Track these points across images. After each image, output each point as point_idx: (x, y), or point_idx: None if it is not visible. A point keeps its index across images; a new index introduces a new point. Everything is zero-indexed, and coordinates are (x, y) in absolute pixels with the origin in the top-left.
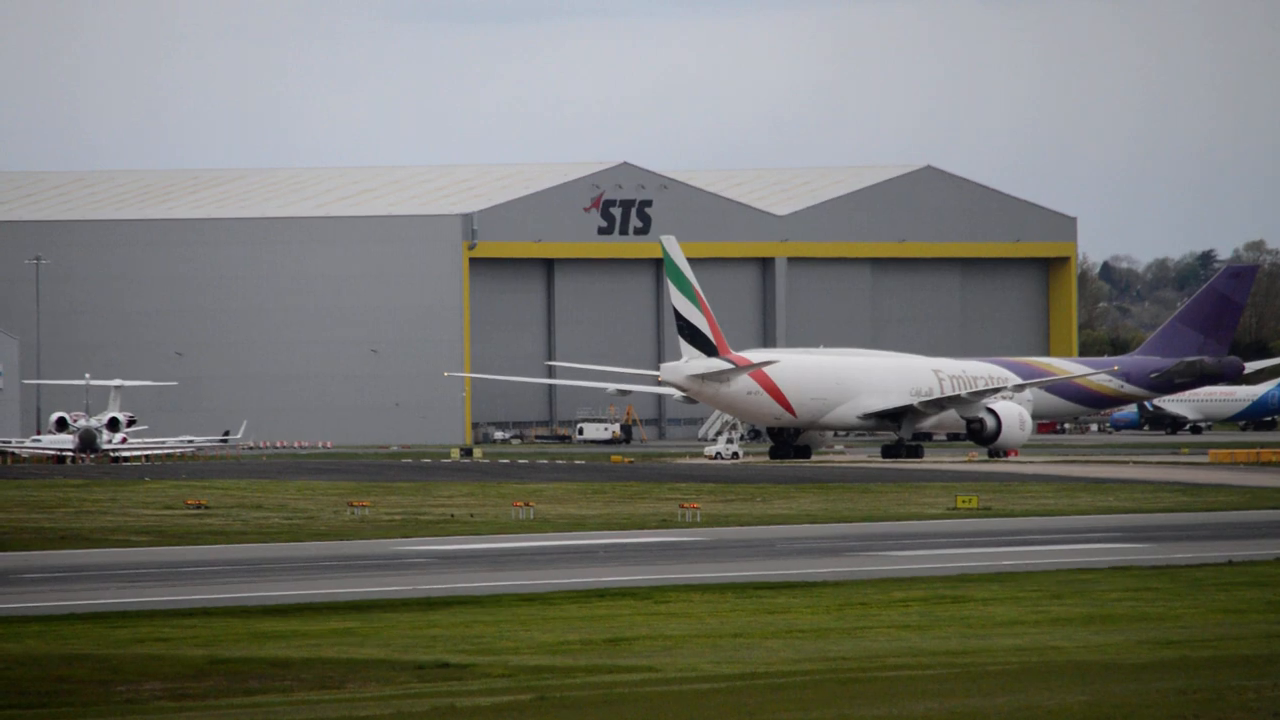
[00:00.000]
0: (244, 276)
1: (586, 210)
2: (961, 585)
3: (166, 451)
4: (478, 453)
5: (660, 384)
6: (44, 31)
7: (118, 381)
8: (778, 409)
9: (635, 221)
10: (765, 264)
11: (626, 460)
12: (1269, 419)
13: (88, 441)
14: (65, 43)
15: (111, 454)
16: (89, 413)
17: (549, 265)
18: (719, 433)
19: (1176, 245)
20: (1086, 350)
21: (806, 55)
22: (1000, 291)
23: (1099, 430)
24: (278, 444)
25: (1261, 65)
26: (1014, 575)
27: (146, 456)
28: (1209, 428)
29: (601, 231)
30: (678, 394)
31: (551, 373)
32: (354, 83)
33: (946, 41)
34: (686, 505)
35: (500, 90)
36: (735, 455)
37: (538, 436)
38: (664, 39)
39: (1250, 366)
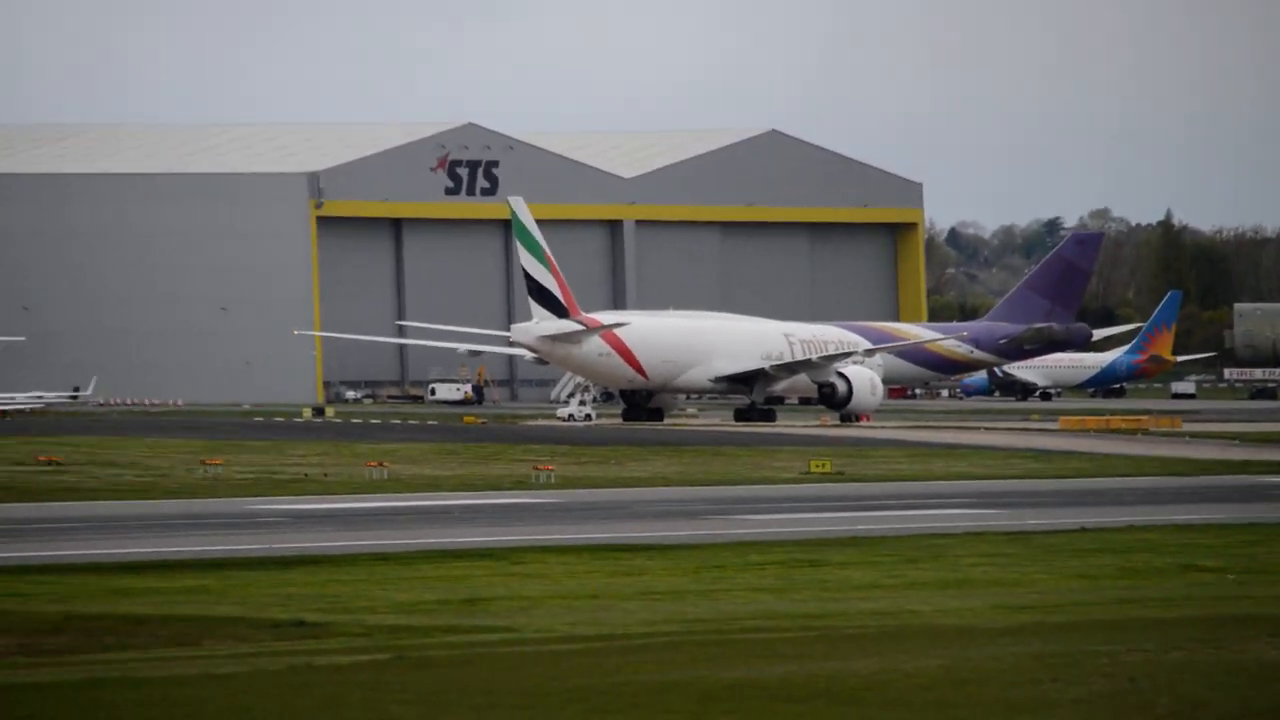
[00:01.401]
0: (92, 232)
1: (433, 170)
2: (818, 549)
3: (16, 408)
4: (330, 412)
5: (511, 345)
6: None
7: None
8: (630, 371)
9: (482, 182)
10: (613, 226)
11: (479, 421)
12: (1117, 386)
13: None
14: None
15: None
16: None
17: (397, 225)
18: (571, 394)
19: (1022, 212)
20: (935, 316)
21: (654, 19)
22: (849, 257)
23: (950, 396)
24: (128, 401)
25: (1104, 33)
26: (869, 540)
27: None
28: (1059, 394)
29: (449, 192)
30: (529, 355)
31: (402, 332)
32: (201, 38)
33: (793, 5)
34: (540, 467)
35: (350, 48)
36: (588, 417)
37: (390, 397)
38: None
39: (1098, 334)
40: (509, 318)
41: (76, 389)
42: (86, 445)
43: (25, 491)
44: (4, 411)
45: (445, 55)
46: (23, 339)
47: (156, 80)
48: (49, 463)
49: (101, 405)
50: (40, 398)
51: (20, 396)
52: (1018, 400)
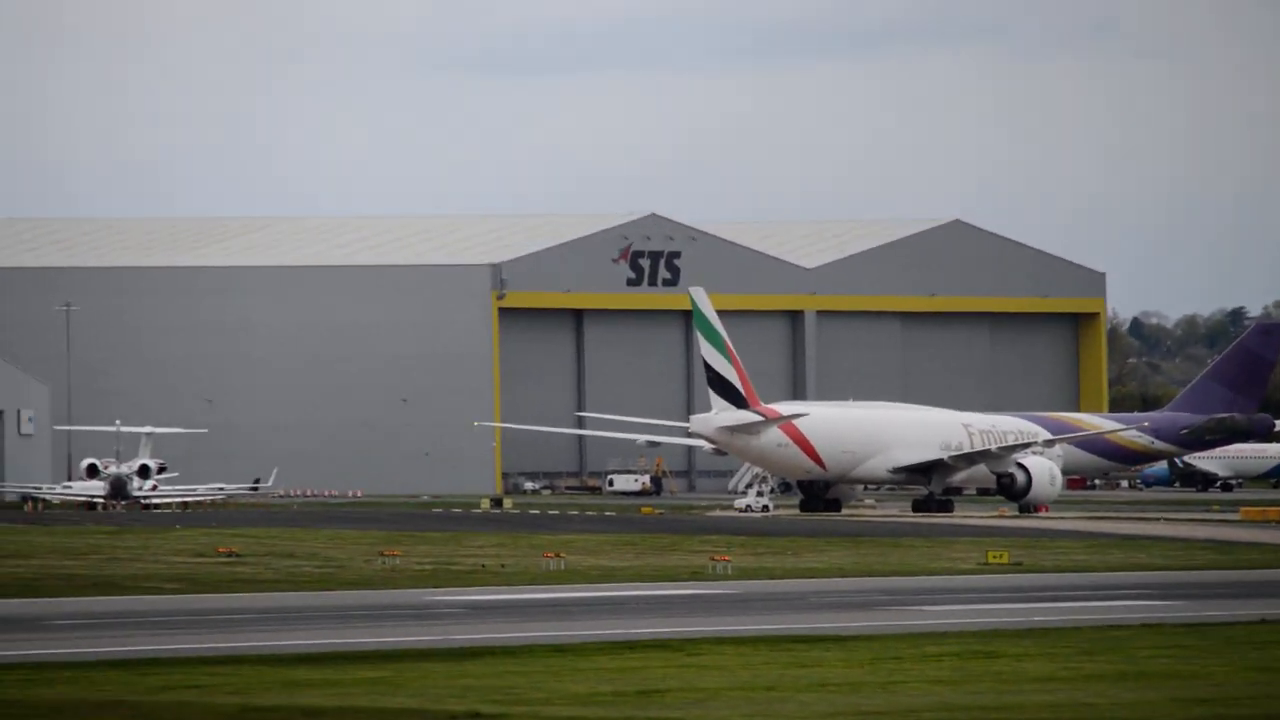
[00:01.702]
0: (273, 324)
1: (615, 261)
2: (994, 640)
3: (197, 499)
4: (508, 503)
5: (690, 435)
6: (76, 76)
7: (148, 428)
8: (808, 462)
9: (664, 273)
10: (794, 316)
11: (656, 512)
12: None
13: (118, 488)
14: (99, 89)
15: (142, 501)
16: (119, 459)
17: (578, 315)
18: (749, 485)
19: (1206, 301)
20: (1116, 406)
21: (835, 108)
22: (1030, 346)
23: (1129, 486)
24: (308, 492)
25: None
26: (1046, 631)
27: (182, 504)
28: (1240, 485)
29: (630, 282)
30: (708, 446)
31: (581, 423)
32: (384, 132)
33: (978, 95)
34: (717, 558)
35: (530, 140)
36: (765, 508)
37: (567, 487)
38: (694, 91)
39: None
40: (688, 408)
41: (257, 480)
42: (266, 537)
43: (204, 583)
44: (186, 503)
45: (629, 144)
46: (205, 431)
47: (341, 173)
48: (228, 554)
49: (282, 496)
50: (221, 489)
51: (201, 488)
52: (1198, 491)
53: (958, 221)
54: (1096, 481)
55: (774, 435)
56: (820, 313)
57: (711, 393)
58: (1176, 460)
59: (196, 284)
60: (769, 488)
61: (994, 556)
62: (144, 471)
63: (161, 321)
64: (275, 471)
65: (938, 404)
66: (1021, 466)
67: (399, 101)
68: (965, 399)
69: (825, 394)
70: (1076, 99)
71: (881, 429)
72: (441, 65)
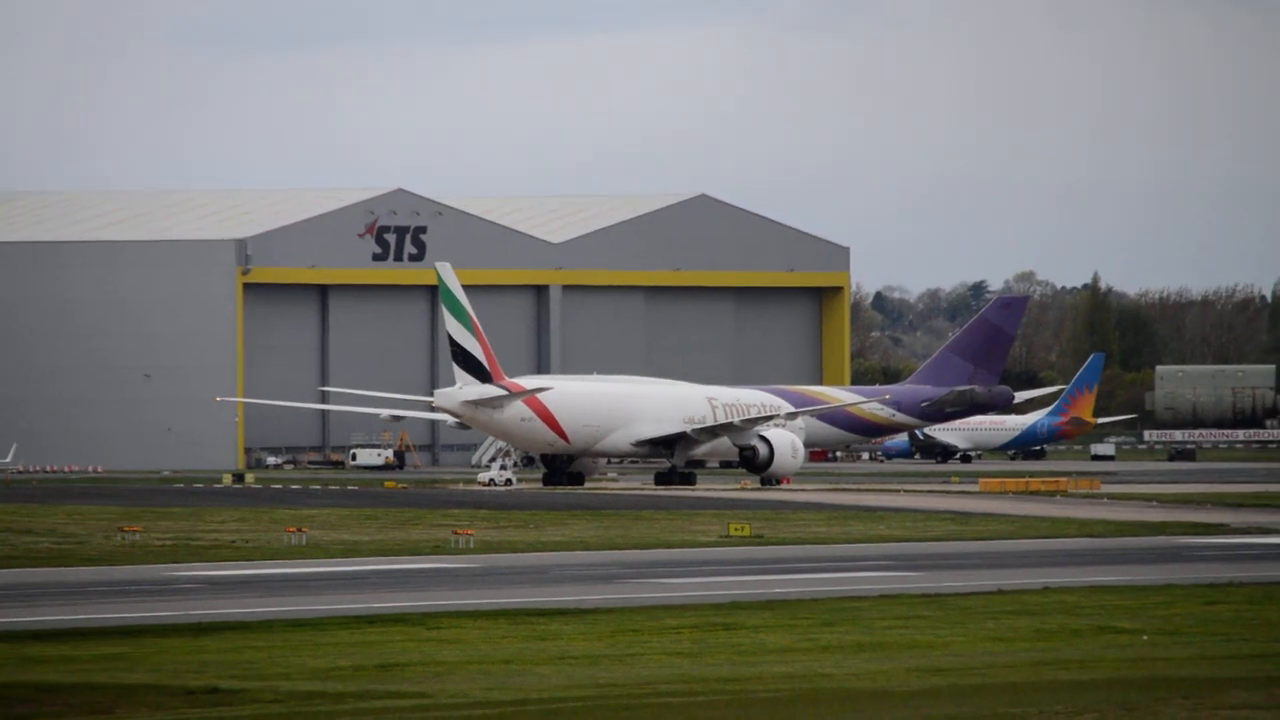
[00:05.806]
0: (12, 300)
1: (361, 236)
2: (733, 613)
3: None
4: (250, 478)
5: (434, 410)
6: None
7: None
8: (551, 435)
9: (410, 248)
10: (540, 291)
11: (400, 486)
12: (1038, 448)
13: None
14: None
15: None
16: None
17: (323, 291)
18: (492, 459)
19: (948, 276)
20: (859, 379)
21: (581, 83)
22: (774, 320)
23: (870, 458)
24: (47, 469)
25: (1033, 95)
26: (785, 603)
27: None
28: (979, 457)
29: (376, 258)
30: (452, 420)
31: (325, 398)
32: (128, 106)
33: (722, 70)
34: (460, 532)
35: (276, 115)
36: (509, 482)
37: (310, 462)
38: (439, 66)
39: (1020, 396)
40: (433, 383)
41: None
42: (3, 513)
43: None
44: None
45: (375, 121)
46: None
47: (81, 148)
48: None
49: (21, 473)
50: None
51: None
52: (938, 462)
53: (703, 196)
54: (838, 454)
55: (517, 409)
56: (565, 287)
57: (456, 367)
58: (917, 432)
59: None
60: (512, 461)
61: (735, 529)
62: None
63: None
64: (14, 448)
65: (683, 378)
66: (764, 439)
67: (143, 75)
68: (710, 373)
69: (570, 368)
70: (822, 74)
71: (625, 402)
72: (186, 39)
